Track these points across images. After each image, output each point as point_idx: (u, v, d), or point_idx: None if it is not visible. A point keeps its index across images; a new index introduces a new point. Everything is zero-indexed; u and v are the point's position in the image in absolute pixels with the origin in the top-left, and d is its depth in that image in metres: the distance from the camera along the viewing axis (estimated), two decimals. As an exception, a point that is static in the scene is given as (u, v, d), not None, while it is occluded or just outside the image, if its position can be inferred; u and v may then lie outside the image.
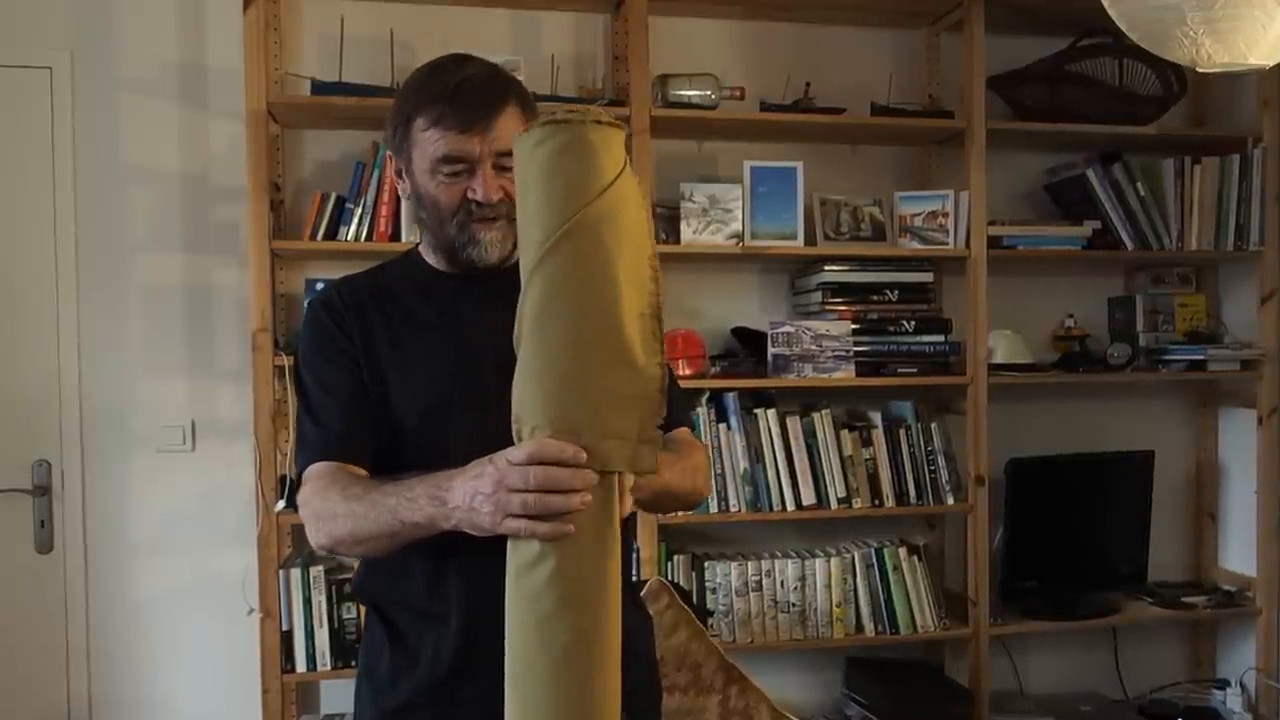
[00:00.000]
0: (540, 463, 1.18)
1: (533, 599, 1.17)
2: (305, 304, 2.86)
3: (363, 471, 1.47)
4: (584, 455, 1.17)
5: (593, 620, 1.18)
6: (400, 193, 1.59)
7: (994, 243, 3.16)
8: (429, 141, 1.45)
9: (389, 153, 1.57)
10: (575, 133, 1.18)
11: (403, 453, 1.48)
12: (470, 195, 1.46)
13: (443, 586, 1.46)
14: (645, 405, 1.22)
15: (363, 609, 2.79)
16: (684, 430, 1.63)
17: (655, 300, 1.23)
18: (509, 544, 1.21)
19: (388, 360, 1.50)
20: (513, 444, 1.25)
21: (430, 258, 1.59)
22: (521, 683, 1.19)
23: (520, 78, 1.64)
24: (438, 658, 1.46)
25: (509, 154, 1.33)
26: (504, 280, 1.47)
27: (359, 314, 1.53)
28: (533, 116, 1.44)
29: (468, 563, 1.41)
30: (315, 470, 1.47)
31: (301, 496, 1.48)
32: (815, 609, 3.08)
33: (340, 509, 1.39)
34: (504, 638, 1.22)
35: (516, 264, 1.47)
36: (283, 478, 2.79)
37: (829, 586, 3.08)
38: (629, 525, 1.39)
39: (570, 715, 1.17)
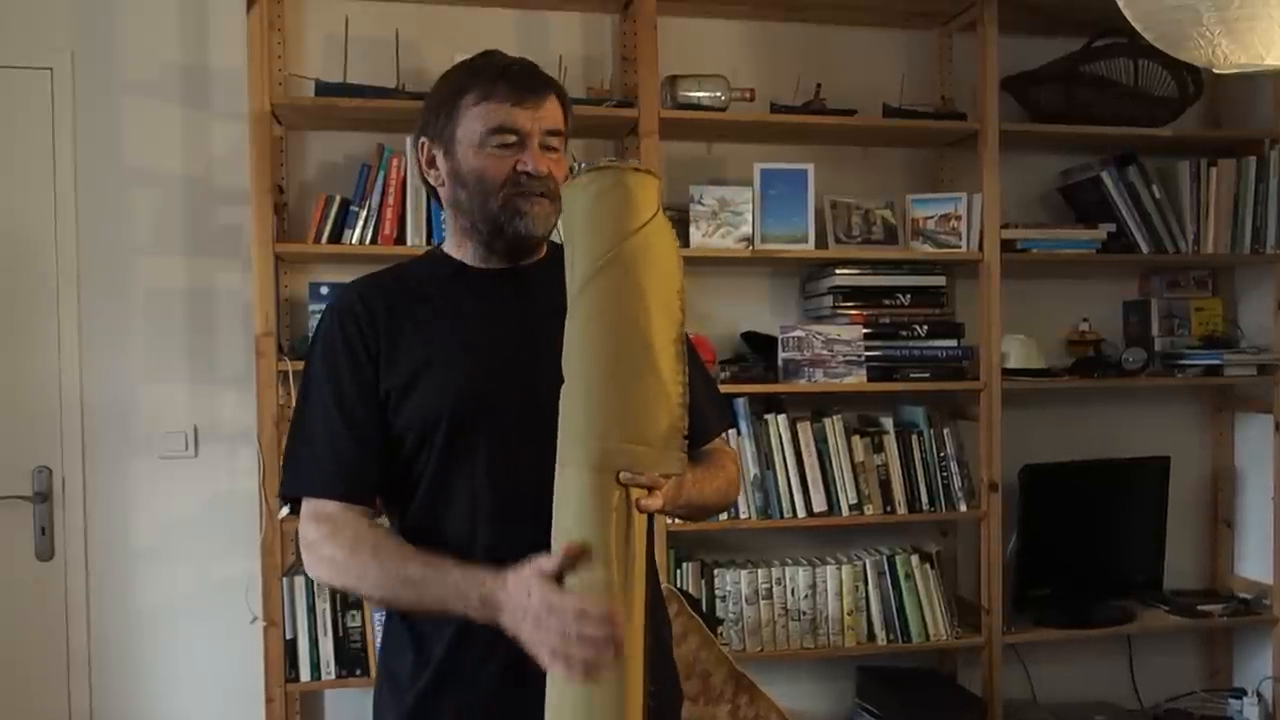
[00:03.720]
0: (585, 616, 1.27)
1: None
2: (309, 307, 2.86)
3: (371, 512, 1.50)
4: (621, 616, 1.27)
5: (623, 606, 1.29)
6: (431, 181, 1.58)
7: (1007, 246, 3.12)
8: (479, 115, 1.49)
9: (422, 141, 1.57)
10: (616, 177, 1.35)
11: (429, 450, 1.48)
12: (520, 167, 1.49)
13: None
14: (669, 416, 1.33)
15: (368, 616, 2.79)
16: (719, 442, 1.68)
17: (682, 329, 1.37)
18: (554, 518, 1.32)
19: (418, 357, 1.49)
20: (543, 436, 1.36)
21: (457, 252, 1.58)
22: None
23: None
24: (454, 654, 1.48)
25: (555, 134, 1.51)
26: (534, 273, 1.55)
27: (387, 313, 1.52)
28: (570, 114, 1.56)
29: (489, 559, 1.43)
30: (326, 511, 1.47)
31: (309, 535, 1.48)
32: (826, 617, 3.04)
33: (372, 573, 1.42)
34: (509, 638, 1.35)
35: (545, 258, 1.59)
36: (286, 484, 2.75)
37: (840, 594, 3.04)
38: (651, 525, 1.47)
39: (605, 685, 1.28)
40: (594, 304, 1.33)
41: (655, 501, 1.34)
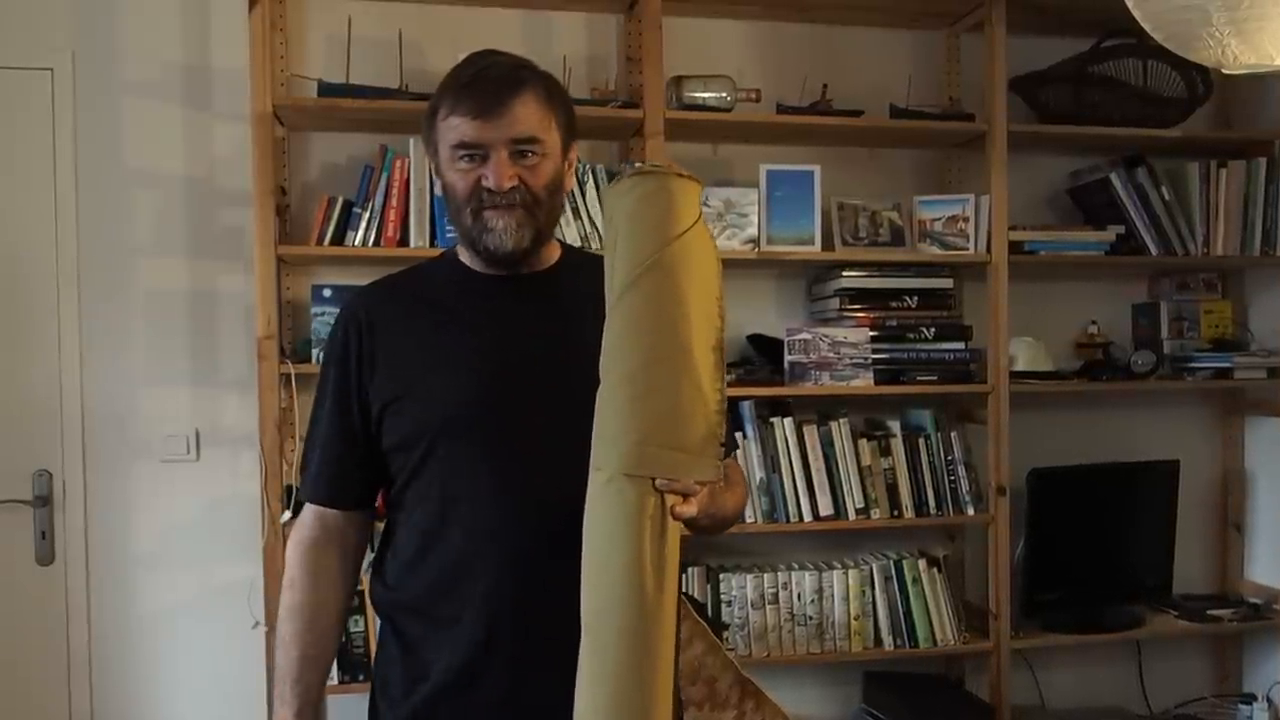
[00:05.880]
0: None
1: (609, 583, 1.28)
2: (312, 310, 2.84)
3: (361, 515, 1.61)
4: None
5: (653, 604, 1.27)
6: (439, 192, 1.59)
7: (1015, 248, 3.10)
8: (448, 129, 1.48)
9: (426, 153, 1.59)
10: (660, 182, 1.34)
11: (430, 455, 1.47)
12: (483, 182, 1.46)
13: (455, 590, 1.46)
14: (706, 423, 1.31)
15: (371, 621, 2.76)
16: (731, 462, 1.65)
17: (720, 337, 1.35)
18: (586, 522, 1.29)
19: (420, 362, 1.49)
20: (545, 444, 1.40)
21: (465, 256, 1.57)
22: (597, 637, 1.29)
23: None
24: (450, 666, 1.45)
25: (527, 141, 1.45)
26: (544, 281, 1.54)
27: (390, 318, 1.52)
28: (562, 109, 1.51)
29: (485, 565, 1.44)
30: (306, 516, 1.59)
31: (292, 537, 1.61)
32: (833, 622, 3.02)
33: (280, 623, 1.62)
34: (519, 639, 1.40)
35: (557, 264, 1.57)
36: (288, 488, 2.73)
37: (847, 599, 3.02)
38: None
39: (636, 678, 1.27)
40: (634, 308, 1.31)
41: (690, 509, 1.30)
